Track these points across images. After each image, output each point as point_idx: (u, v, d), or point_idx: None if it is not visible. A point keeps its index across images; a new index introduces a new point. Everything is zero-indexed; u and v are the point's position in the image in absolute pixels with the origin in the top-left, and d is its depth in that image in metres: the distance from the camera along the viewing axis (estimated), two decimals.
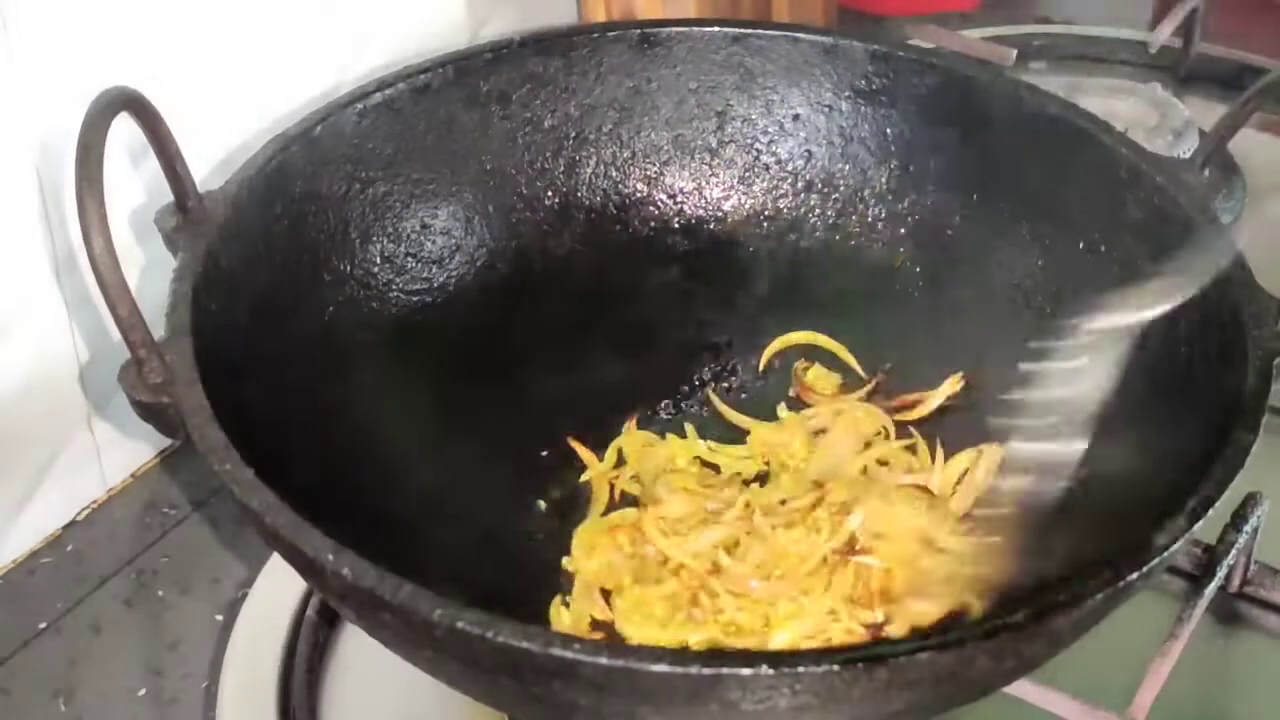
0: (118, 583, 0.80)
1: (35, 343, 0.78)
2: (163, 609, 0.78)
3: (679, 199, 0.88)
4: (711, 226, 0.88)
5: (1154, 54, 1.19)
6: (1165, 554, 0.55)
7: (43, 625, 0.77)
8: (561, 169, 0.85)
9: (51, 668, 0.75)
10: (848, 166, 0.85)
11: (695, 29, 0.85)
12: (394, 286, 0.79)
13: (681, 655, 0.52)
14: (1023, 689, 0.65)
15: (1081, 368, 0.68)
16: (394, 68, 0.81)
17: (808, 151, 0.86)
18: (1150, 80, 1.13)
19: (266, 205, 0.72)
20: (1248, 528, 0.72)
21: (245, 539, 0.81)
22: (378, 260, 0.79)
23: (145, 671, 0.75)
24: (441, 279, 0.81)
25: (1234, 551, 0.72)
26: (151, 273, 0.76)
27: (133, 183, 0.78)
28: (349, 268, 0.77)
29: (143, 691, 0.74)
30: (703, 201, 0.88)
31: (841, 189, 0.86)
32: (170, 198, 0.69)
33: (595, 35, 0.85)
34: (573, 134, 0.85)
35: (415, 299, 0.80)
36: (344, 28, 0.89)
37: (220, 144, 0.82)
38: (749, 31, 0.85)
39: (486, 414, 0.79)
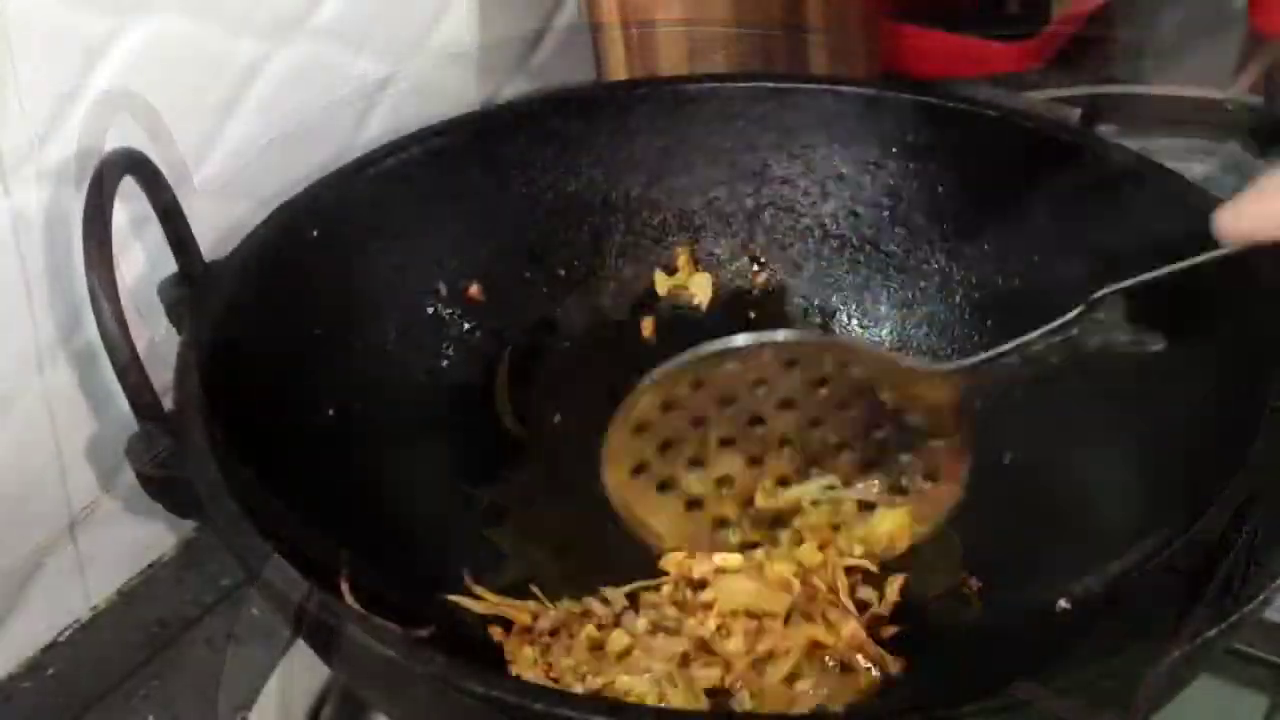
0: (104, 709, 0.82)
1: (12, 442, 0.80)
2: None
3: (714, 268, 0.93)
4: (750, 295, 0.93)
5: (1231, 112, 1.24)
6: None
7: None
8: (587, 237, 0.90)
9: None
10: (897, 229, 0.90)
11: (729, 84, 0.90)
12: (412, 363, 0.84)
13: None
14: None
15: None
16: (402, 132, 0.86)
17: (853, 213, 0.91)
18: (1228, 141, 1.19)
19: (274, 277, 0.77)
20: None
21: (243, 658, 0.83)
22: (392, 335, 0.84)
23: None
24: (462, 356, 0.86)
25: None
26: (153, 349, 0.78)
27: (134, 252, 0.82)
28: (362, 344, 0.82)
29: None
30: (739, 268, 0.93)
31: (890, 252, 0.91)
32: (174, 268, 0.76)
33: (622, 94, 0.90)
34: (598, 199, 0.90)
35: (434, 376, 0.85)
36: (351, 89, 0.94)
37: (223, 212, 0.85)
38: (787, 86, 0.90)
39: (509, 493, 0.84)
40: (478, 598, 0.78)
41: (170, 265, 0.76)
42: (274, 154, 0.89)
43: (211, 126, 0.85)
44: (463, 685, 0.55)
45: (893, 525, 0.81)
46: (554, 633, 0.78)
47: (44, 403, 0.81)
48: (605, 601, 0.79)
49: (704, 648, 0.77)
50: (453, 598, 0.78)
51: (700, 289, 0.92)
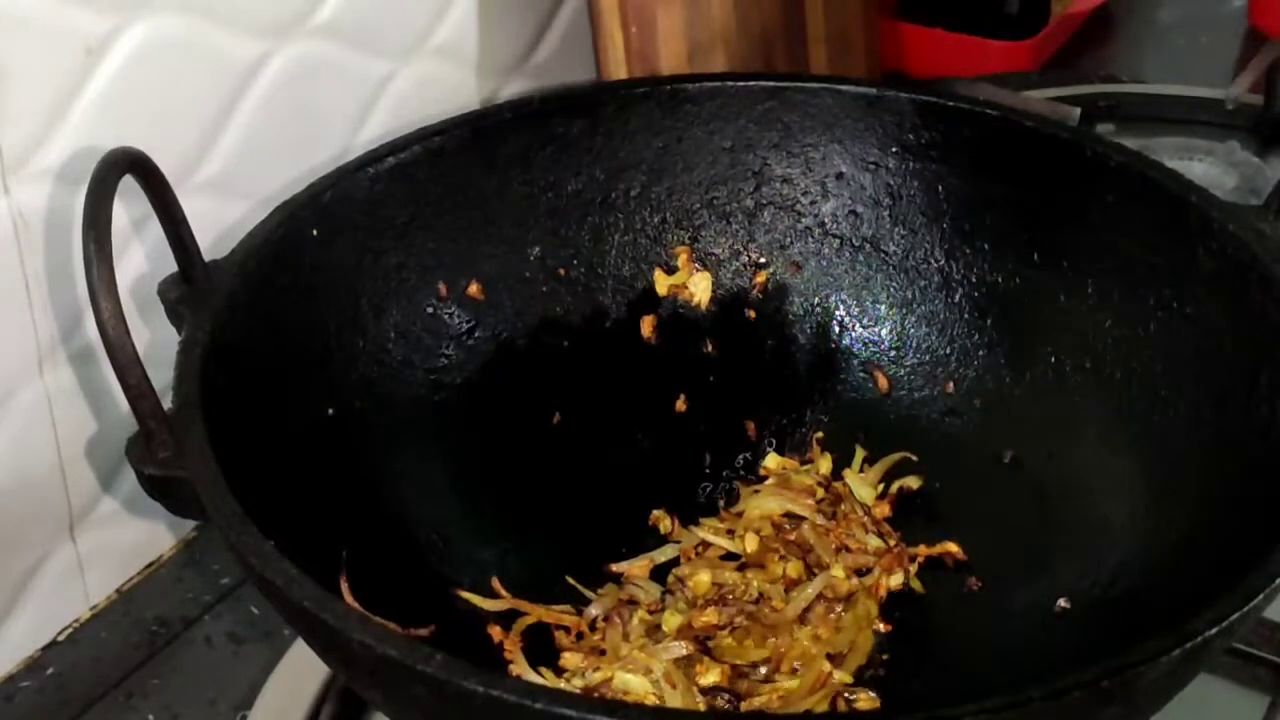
0: (104, 709, 0.82)
1: (12, 442, 0.81)
2: None
3: (714, 268, 0.93)
4: (750, 295, 0.93)
5: (1231, 111, 1.25)
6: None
7: None
8: (587, 236, 0.90)
9: None
10: (897, 228, 0.91)
11: (729, 83, 0.90)
12: (411, 363, 0.84)
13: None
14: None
15: None
16: (402, 132, 0.86)
17: (853, 213, 0.91)
18: (1228, 140, 1.19)
19: (274, 276, 0.77)
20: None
21: (241, 658, 0.85)
22: (392, 335, 0.84)
23: None
24: (461, 356, 0.86)
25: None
26: (152, 349, 0.79)
27: (133, 252, 0.83)
28: (362, 343, 0.82)
29: None
30: (739, 268, 0.93)
31: (890, 252, 0.91)
32: (174, 268, 0.76)
33: (622, 93, 0.90)
34: (598, 199, 0.90)
35: (434, 376, 0.85)
36: (350, 90, 0.95)
37: (223, 212, 0.87)
38: (787, 85, 0.90)
39: (511, 497, 0.85)
40: (492, 595, 0.80)
41: (170, 265, 0.76)
42: (274, 154, 0.89)
43: (211, 126, 0.86)
44: (463, 685, 0.55)
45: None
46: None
47: (44, 403, 0.82)
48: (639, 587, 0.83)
49: (704, 648, 0.78)
50: (464, 594, 0.79)
51: (700, 288, 0.93)
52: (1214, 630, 0.58)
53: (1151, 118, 1.26)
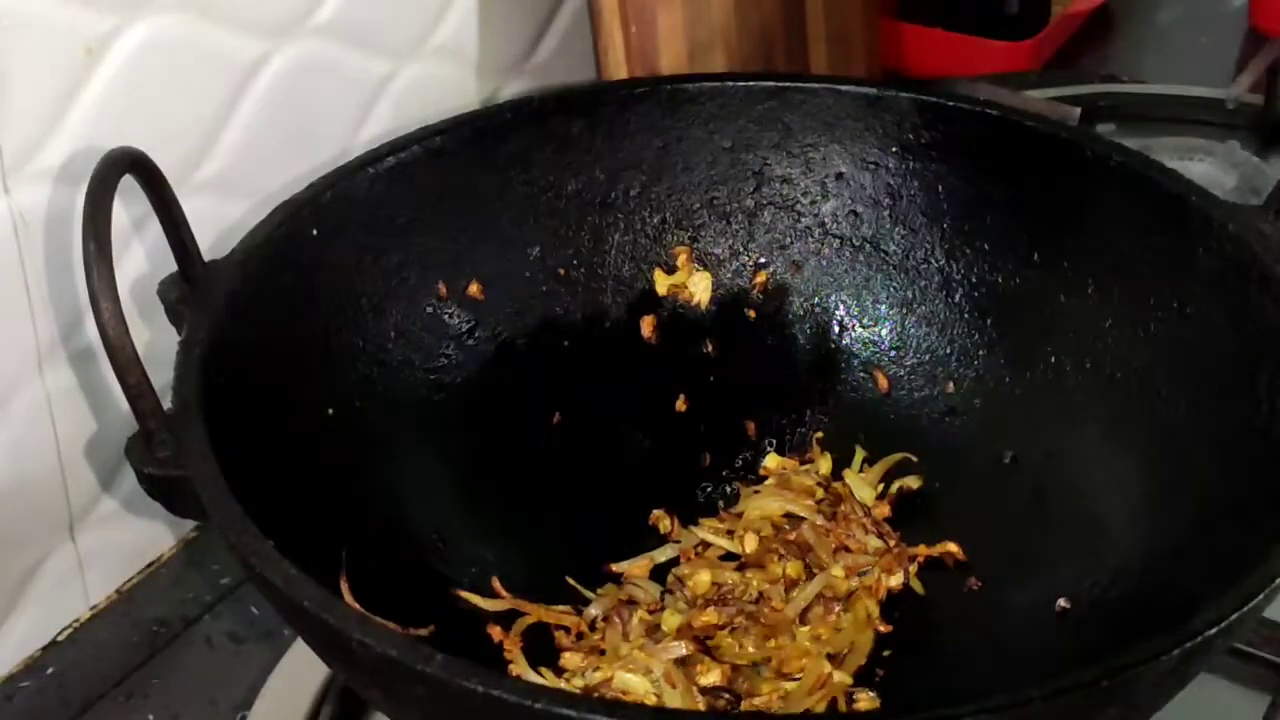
0: (104, 708, 0.82)
1: (12, 442, 0.81)
2: None
3: (714, 267, 0.93)
4: (750, 295, 0.93)
5: (1231, 111, 1.25)
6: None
7: None
8: (587, 236, 0.91)
9: None
10: (897, 228, 0.91)
11: (729, 83, 0.91)
12: (411, 363, 0.85)
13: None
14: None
15: None
16: (402, 132, 0.86)
17: (853, 213, 0.92)
18: (1228, 140, 1.19)
19: (274, 276, 0.77)
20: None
21: (241, 657, 0.85)
22: (392, 335, 0.84)
23: None
24: (461, 356, 0.87)
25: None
26: (152, 350, 0.79)
27: (134, 252, 0.83)
28: (362, 343, 0.82)
29: None
30: (739, 268, 0.93)
31: (890, 252, 0.91)
32: (174, 268, 0.76)
33: (622, 92, 0.91)
34: (598, 198, 0.91)
35: (434, 376, 0.86)
36: (350, 90, 0.95)
37: (223, 211, 0.87)
38: (787, 85, 0.90)
39: (511, 497, 0.85)
40: (492, 595, 0.80)
41: (170, 265, 0.77)
42: (274, 153, 0.89)
43: (211, 126, 0.86)
44: (463, 685, 0.55)
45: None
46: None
47: (44, 403, 0.82)
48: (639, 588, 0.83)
49: (704, 648, 0.78)
50: (464, 594, 0.79)
51: (700, 288, 0.93)
52: (1214, 630, 0.58)
53: (1151, 118, 1.26)
